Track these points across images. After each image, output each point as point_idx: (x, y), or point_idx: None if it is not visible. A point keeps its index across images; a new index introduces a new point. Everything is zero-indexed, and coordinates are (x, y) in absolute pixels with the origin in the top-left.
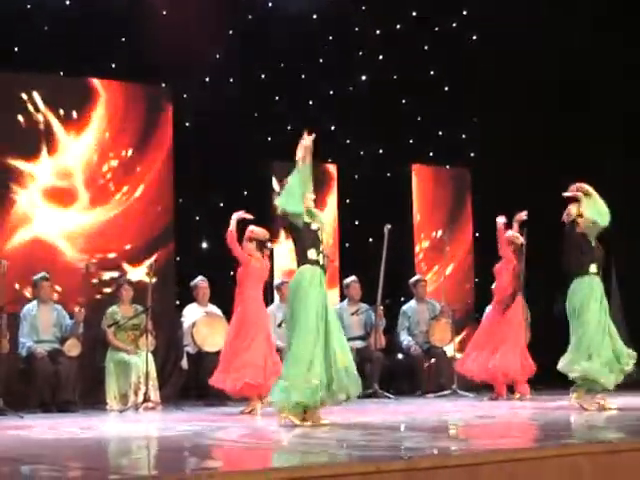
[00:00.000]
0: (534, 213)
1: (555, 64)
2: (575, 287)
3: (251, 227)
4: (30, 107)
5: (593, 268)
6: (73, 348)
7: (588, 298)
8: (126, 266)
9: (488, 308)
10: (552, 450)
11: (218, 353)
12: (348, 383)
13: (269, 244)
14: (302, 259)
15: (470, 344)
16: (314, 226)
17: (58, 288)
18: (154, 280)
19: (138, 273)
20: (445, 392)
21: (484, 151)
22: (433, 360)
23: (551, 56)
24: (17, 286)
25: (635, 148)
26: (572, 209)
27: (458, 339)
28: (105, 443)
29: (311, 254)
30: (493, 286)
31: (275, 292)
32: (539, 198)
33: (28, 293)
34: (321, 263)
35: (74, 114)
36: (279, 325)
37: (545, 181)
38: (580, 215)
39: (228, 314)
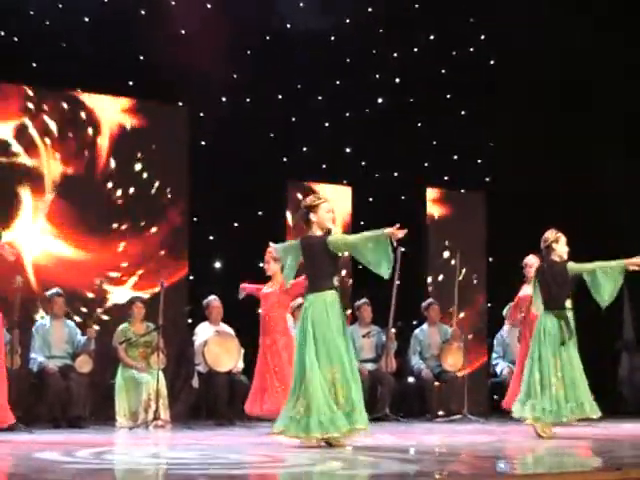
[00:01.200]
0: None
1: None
2: (548, 322)
3: (272, 246)
4: (44, 123)
5: (569, 303)
6: (84, 364)
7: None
8: (139, 284)
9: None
10: (561, 477)
11: (229, 373)
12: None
13: None
14: (327, 284)
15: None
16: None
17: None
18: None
19: (149, 291)
20: (455, 417)
21: (499, 176)
22: (443, 383)
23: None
24: None
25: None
26: (548, 233)
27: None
28: (114, 461)
29: (335, 281)
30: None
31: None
32: (555, 222)
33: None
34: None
35: (90, 131)
36: None
37: (560, 204)
38: (556, 241)
39: (240, 333)
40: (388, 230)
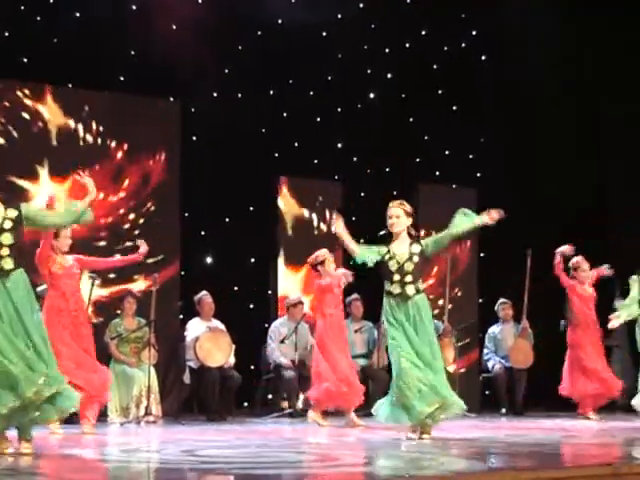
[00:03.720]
0: (538, 232)
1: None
2: None
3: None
4: (37, 118)
5: None
6: None
7: None
8: (130, 279)
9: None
10: (551, 472)
11: (220, 368)
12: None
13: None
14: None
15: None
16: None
17: None
18: (157, 293)
19: (142, 286)
20: None
21: (491, 171)
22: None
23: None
24: None
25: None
26: None
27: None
28: (105, 456)
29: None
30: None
31: (287, 309)
32: (546, 218)
33: None
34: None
35: (81, 126)
36: (282, 341)
37: (553, 200)
38: None
39: (231, 328)
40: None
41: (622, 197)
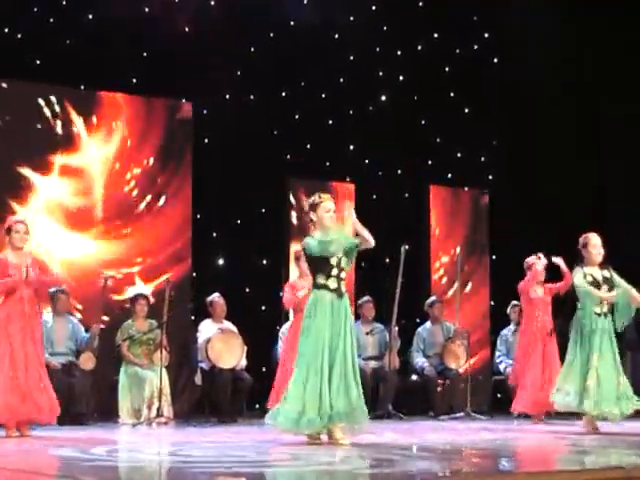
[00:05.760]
0: (551, 237)
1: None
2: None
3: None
4: (49, 122)
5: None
6: (88, 362)
7: None
8: (142, 281)
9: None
10: (564, 475)
11: (232, 370)
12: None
13: None
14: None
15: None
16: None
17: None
18: (170, 295)
19: (154, 289)
20: (458, 414)
21: (503, 174)
22: (447, 382)
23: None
24: None
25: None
26: None
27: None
28: (118, 458)
29: (320, 279)
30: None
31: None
32: (557, 223)
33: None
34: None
35: (94, 129)
36: None
37: (563, 203)
38: None
39: (243, 330)
40: None
41: (622, 197)
